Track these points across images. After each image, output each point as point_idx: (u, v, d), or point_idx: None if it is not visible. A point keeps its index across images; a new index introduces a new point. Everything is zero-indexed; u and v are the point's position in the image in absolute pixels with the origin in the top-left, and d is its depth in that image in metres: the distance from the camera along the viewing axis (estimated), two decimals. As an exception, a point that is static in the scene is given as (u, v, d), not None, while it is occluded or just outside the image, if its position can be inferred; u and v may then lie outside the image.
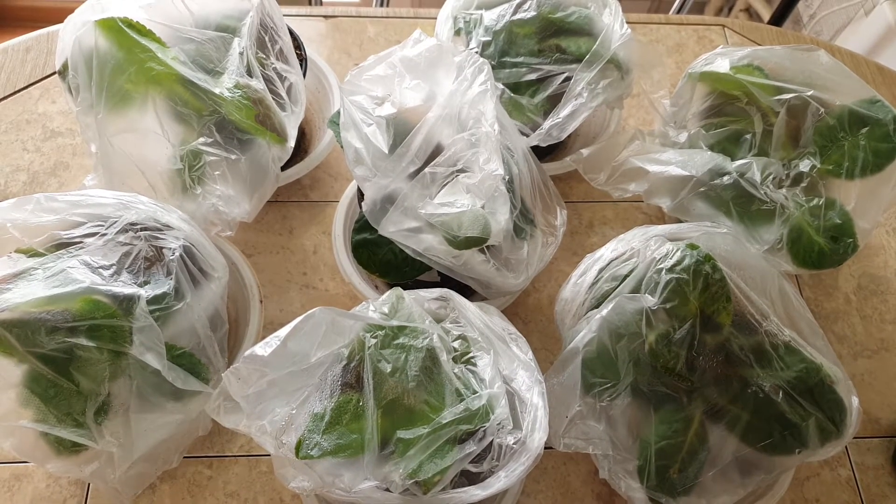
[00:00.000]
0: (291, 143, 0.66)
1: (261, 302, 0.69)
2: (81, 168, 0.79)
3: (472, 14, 0.73)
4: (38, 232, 0.56)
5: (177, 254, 0.56)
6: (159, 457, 0.58)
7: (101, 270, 0.54)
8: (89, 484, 0.63)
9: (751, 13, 1.60)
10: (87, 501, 0.62)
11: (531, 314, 0.75)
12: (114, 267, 0.54)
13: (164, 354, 0.53)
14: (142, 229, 0.57)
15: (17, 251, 0.55)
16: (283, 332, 0.47)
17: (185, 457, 0.64)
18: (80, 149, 0.81)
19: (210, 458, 0.65)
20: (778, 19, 1.33)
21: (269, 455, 0.66)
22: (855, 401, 0.56)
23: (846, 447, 0.71)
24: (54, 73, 0.85)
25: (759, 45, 0.96)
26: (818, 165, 0.65)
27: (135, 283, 0.54)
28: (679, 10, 1.22)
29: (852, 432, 0.56)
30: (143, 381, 0.53)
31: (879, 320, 0.79)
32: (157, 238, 0.57)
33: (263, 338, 0.68)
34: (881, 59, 1.21)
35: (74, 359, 0.52)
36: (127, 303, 0.52)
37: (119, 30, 0.59)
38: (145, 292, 0.53)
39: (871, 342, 0.78)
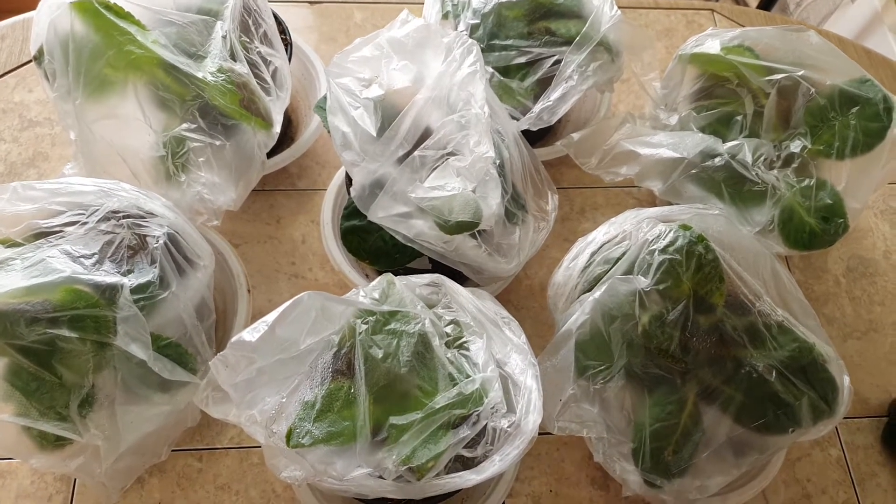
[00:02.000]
0: (277, 128, 0.65)
1: (248, 291, 0.68)
2: (61, 158, 0.78)
3: (459, -3, 0.72)
4: (15, 221, 0.54)
5: (161, 241, 0.54)
6: (147, 449, 0.57)
7: (82, 259, 0.53)
8: (76, 479, 0.62)
9: (738, 0, 1.60)
10: (74, 497, 0.61)
11: (523, 300, 0.75)
12: (95, 256, 0.53)
13: (149, 345, 0.51)
14: (124, 217, 0.55)
15: None
16: (271, 317, 0.46)
17: (174, 449, 0.63)
18: (60, 139, 0.79)
19: (200, 450, 0.64)
20: (766, 6, 1.33)
21: (260, 446, 0.65)
22: (846, 380, 0.56)
23: (836, 427, 0.72)
24: (30, 61, 0.83)
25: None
26: (809, 146, 0.65)
27: (118, 273, 0.53)
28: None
29: (844, 411, 0.56)
30: (129, 372, 0.52)
31: (868, 302, 0.79)
32: (141, 226, 0.55)
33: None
34: (867, 45, 1.21)
35: (57, 351, 0.51)
36: (110, 292, 0.51)
37: (96, 12, 0.57)
38: (129, 281, 0.52)
39: (861, 323, 0.78)
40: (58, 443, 0.53)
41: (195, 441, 0.64)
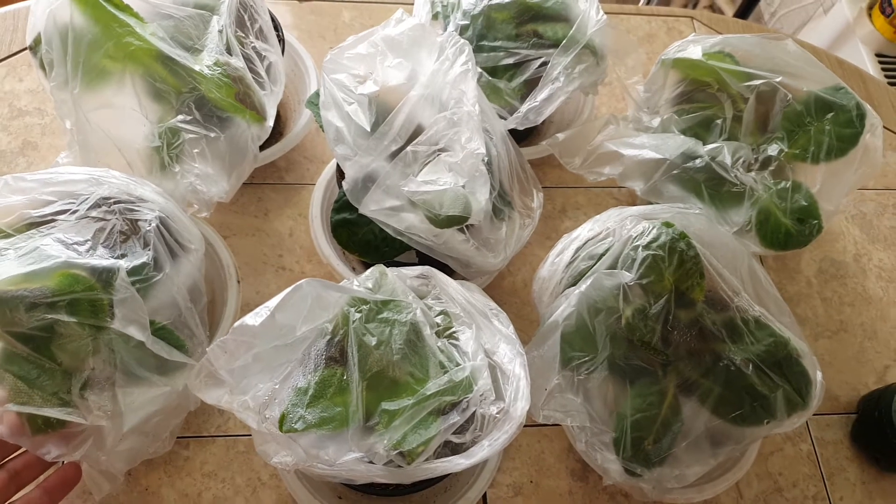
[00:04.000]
0: (271, 122, 0.66)
1: (238, 282, 0.69)
2: (51, 148, 0.78)
3: (449, -2, 0.74)
4: (6, 213, 0.54)
5: (153, 224, 0.55)
6: (150, 431, 0.56)
7: (75, 246, 0.53)
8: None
9: (714, 9, 1.64)
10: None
11: (506, 297, 0.76)
12: (88, 242, 0.53)
13: (147, 326, 0.52)
14: (115, 203, 0.56)
15: None
16: (272, 302, 0.47)
17: (160, 437, 0.64)
18: (49, 128, 0.79)
19: (187, 438, 0.65)
20: (742, 15, 1.37)
21: (246, 435, 0.66)
22: (819, 374, 0.59)
23: (807, 423, 0.74)
24: (21, 51, 0.83)
25: (726, 37, 0.99)
26: (786, 150, 0.67)
27: (112, 257, 0.53)
28: (648, 2, 1.24)
29: (816, 404, 0.58)
30: (127, 354, 0.52)
31: (839, 303, 0.82)
32: (132, 211, 0.56)
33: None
34: (840, 55, 1.26)
35: (55, 336, 0.51)
36: (106, 275, 0.51)
37: (95, 3, 0.58)
38: (125, 264, 0.52)
39: (831, 323, 0.81)
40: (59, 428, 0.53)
41: (182, 429, 0.65)
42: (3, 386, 0.50)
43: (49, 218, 0.55)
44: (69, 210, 0.55)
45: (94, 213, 0.55)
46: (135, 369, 0.53)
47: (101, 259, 0.52)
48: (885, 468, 0.73)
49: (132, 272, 0.52)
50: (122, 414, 0.53)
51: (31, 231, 0.54)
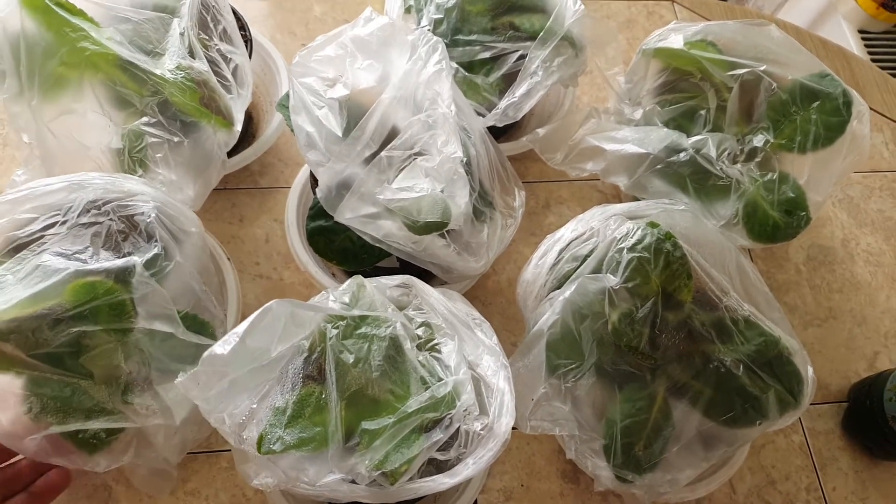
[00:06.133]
0: (238, 126, 0.64)
1: (229, 259, 0.68)
2: (13, 161, 0.75)
3: (422, -9, 0.71)
4: (-20, 242, 0.52)
5: (153, 216, 0.53)
6: (197, 419, 0.54)
7: (78, 256, 0.50)
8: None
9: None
10: None
11: (491, 297, 0.75)
12: (89, 249, 0.51)
13: (175, 317, 0.50)
14: (105, 204, 0.53)
15: None
16: (241, 328, 0.45)
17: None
18: (8, 140, 0.76)
19: (166, 457, 0.63)
20: (722, -6, 1.34)
21: (228, 450, 0.64)
22: (810, 371, 0.58)
23: (799, 414, 0.74)
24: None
25: (708, 19, 0.97)
26: (771, 140, 0.66)
27: (119, 258, 0.51)
28: (627, -14, 1.22)
29: (808, 401, 0.57)
30: (156, 351, 0.51)
31: (828, 290, 0.81)
32: (125, 207, 0.53)
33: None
34: (821, 32, 1.24)
35: (83, 349, 0.49)
36: (122, 275, 0.49)
37: (46, 9, 0.55)
38: (139, 259, 0.50)
39: (820, 311, 0.80)
40: (108, 439, 0.52)
41: (162, 448, 0.63)
42: (40, 414, 0.48)
43: (37, 235, 0.51)
44: (56, 222, 0.52)
45: (84, 220, 0.52)
46: (167, 364, 0.52)
47: (113, 261, 0.50)
48: (877, 456, 0.72)
49: (146, 266, 0.51)
50: (170, 409, 0.51)
51: (23, 253, 0.50)
